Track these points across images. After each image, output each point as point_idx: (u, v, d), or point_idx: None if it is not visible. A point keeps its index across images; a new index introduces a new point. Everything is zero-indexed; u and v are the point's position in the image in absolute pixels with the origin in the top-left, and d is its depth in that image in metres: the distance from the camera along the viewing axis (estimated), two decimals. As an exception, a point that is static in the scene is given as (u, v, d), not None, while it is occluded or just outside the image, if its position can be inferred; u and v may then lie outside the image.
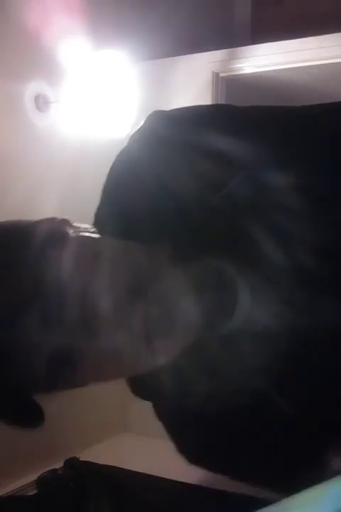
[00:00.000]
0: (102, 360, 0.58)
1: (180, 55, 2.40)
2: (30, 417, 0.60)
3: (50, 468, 1.77)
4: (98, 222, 0.68)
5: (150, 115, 0.68)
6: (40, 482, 1.72)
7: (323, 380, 0.65)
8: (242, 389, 0.64)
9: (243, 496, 1.31)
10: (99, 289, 0.57)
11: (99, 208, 0.70)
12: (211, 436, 0.69)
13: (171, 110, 0.69)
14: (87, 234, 0.62)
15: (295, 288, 0.63)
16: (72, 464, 1.77)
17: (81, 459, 1.83)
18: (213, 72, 2.37)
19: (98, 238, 0.62)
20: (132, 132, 0.68)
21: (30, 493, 1.77)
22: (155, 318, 0.58)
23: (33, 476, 1.80)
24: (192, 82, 2.41)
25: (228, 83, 2.43)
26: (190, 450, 0.72)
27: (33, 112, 2.04)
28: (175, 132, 0.66)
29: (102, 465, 1.79)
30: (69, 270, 0.57)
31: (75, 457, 1.81)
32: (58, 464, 1.78)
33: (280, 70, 2.32)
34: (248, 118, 0.69)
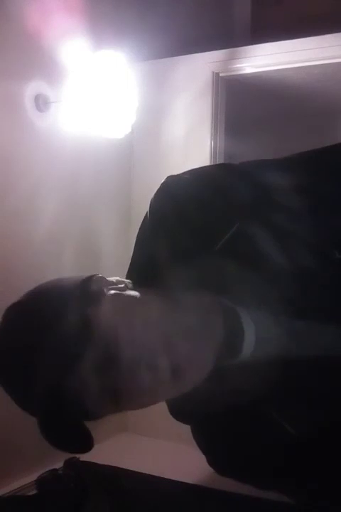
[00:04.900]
0: (137, 395, 0.71)
1: (180, 55, 2.40)
2: (84, 444, 0.74)
3: (50, 468, 1.76)
4: (129, 271, 0.85)
5: (164, 181, 0.83)
6: (40, 482, 1.72)
7: (323, 400, 0.75)
8: (250, 409, 0.76)
9: (243, 496, 1.32)
10: (129, 337, 0.70)
11: (131, 258, 0.86)
12: (230, 452, 0.82)
13: (182, 174, 0.83)
14: (117, 291, 0.76)
15: (296, 317, 0.75)
16: (72, 463, 1.77)
17: (81, 459, 1.83)
18: (213, 72, 2.38)
19: (124, 294, 0.76)
20: (152, 197, 0.83)
21: (30, 493, 1.77)
22: (172, 359, 0.71)
23: (33, 476, 1.80)
24: (192, 82, 2.41)
25: (228, 83, 2.44)
26: (217, 464, 0.85)
27: (33, 111, 2.04)
28: (185, 192, 0.81)
29: (102, 465, 1.79)
30: (105, 325, 0.70)
31: (75, 457, 1.81)
32: (58, 464, 1.77)
33: (280, 70, 2.32)
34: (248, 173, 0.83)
